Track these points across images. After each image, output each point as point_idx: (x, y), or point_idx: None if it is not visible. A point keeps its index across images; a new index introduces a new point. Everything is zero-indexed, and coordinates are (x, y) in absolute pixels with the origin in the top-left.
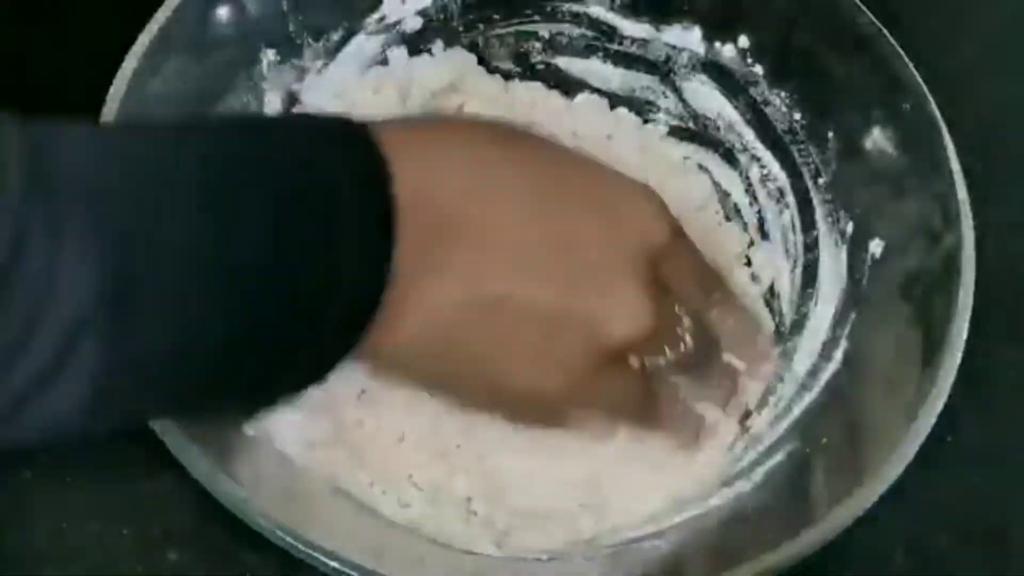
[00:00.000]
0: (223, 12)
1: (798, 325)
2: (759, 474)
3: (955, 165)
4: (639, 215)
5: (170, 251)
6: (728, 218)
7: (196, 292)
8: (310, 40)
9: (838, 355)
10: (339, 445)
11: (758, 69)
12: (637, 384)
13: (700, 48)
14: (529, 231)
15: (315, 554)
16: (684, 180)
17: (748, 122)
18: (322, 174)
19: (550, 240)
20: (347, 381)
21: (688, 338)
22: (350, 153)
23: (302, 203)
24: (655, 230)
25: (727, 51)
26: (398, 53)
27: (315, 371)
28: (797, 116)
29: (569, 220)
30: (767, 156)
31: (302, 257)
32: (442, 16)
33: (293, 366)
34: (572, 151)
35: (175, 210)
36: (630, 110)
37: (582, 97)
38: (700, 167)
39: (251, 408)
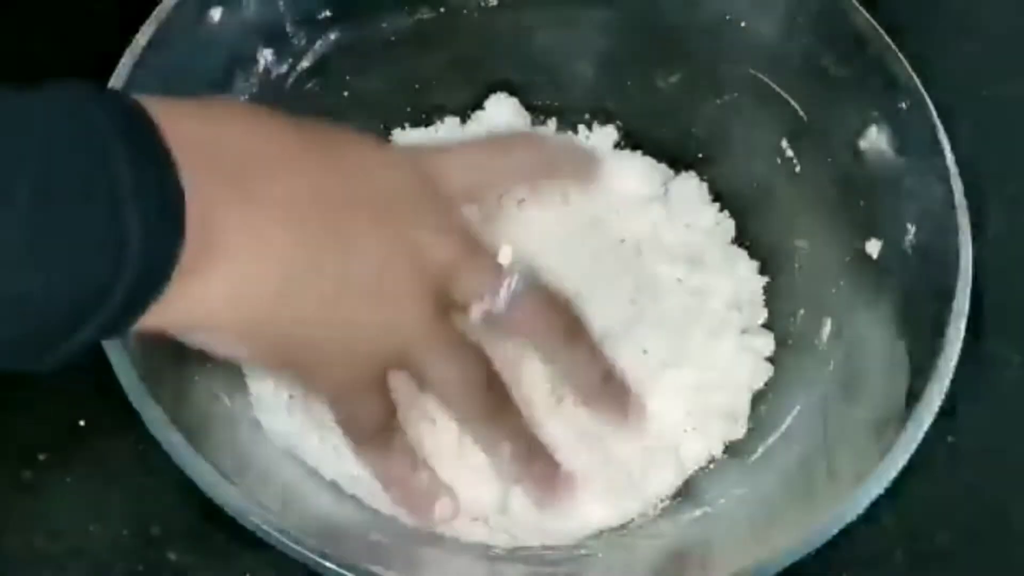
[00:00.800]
0: (220, 12)
1: (793, 327)
2: (757, 473)
3: (952, 165)
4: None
5: None
6: None
7: None
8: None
9: (836, 355)
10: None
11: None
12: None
13: None
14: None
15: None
16: None
17: None
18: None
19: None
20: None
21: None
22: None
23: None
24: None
25: None
26: None
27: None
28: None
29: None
30: None
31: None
32: None
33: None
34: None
35: None
36: None
37: None
38: None
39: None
